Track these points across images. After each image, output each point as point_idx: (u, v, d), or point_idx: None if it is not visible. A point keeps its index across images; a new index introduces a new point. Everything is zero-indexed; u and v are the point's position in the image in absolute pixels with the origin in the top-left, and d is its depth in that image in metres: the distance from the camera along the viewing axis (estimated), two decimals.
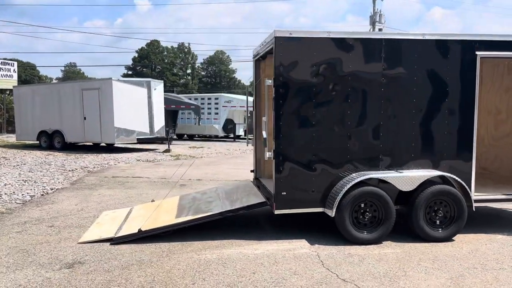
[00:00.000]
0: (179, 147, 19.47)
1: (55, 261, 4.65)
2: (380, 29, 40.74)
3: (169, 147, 17.77)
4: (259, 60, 7.00)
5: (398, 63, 5.44)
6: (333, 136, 5.42)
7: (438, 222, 5.40)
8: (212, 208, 5.70)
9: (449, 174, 5.41)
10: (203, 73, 77.00)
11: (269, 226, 6.03)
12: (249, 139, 7.45)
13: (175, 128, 23.72)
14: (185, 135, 25.40)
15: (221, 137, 26.10)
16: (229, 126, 24.78)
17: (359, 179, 5.16)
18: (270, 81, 5.31)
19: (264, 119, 5.40)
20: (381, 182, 5.32)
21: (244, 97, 28.03)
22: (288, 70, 5.27)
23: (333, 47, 5.34)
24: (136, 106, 17.44)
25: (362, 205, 5.26)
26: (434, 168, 5.53)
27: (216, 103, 24.86)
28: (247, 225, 6.01)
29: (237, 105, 24.71)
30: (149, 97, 17.79)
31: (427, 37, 5.45)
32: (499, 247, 5.20)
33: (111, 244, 5.19)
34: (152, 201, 7.00)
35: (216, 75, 76.56)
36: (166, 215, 5.78)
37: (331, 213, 5.17)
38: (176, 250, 5.02)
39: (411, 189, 5.29)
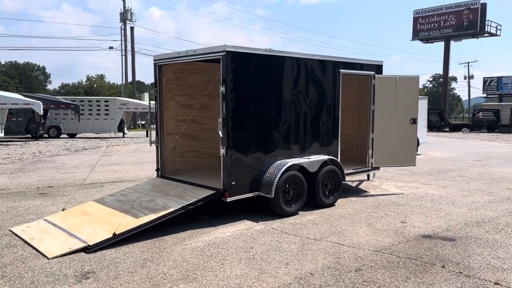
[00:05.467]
0: None
1: (59, 276, 4.37)
2: (132, 27, 41.50)
3: None
4: (161, 65, 7.48)
5: (300, 75, 7.14)
6: (264, 132, 6.70)
7: (327, 192, 7.42)
8: (163, 205, 6.08)
9: (333, 158, 7.49)
10: None
11: (205, 216, 6.76)
12: (151, 137, 7.73)
13: None
14: None
15: None
16: None
17: (288, 165, 6.63)
18: (222, 88, 6.13)
19: (219, 120, 6.17)
20: (298, 166, 6.92)
21: None
22: (234, 78, 6.23)
23: (263, 61, 6.59)
24: None
25: (287, 186, 6.76)
26: (321, 153, 7.52)
27: None
28: (186, 218, 6.55)
29: None
30: None
31: (316, 57, 7.34)
32: (363, 205, 7.60)
33: (88, 252, 5.04)
34: (63, 209, 6.59)
35: None
36: (116, 218, 5.80)
37: (271, 194, 6.46)
38: (160, 246, 5.35)
39: (315, 170, 7.10)
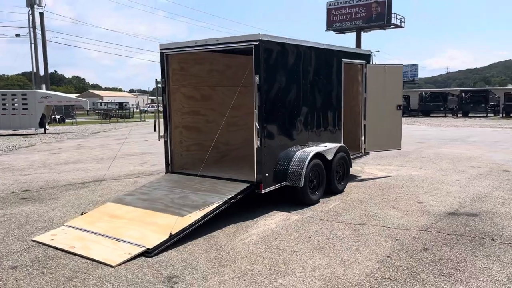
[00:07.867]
0: None
1: (146, 284, 4.02)
2: (41, 13, 38.12)
3: None
4: (168, 55, 7.07)
5: (314, 64, 7.20)
6: (290, 122, 6.68)
7: (338, 179, 7.63)
8: (202, 201, 5.81)
9: (343, 145, 7.70)
10: None
11: (233, 209, 6.56)
12: (159, 131, 7.24)
13: None
14: None
15: None
16: None
17: (312, 154, 6.68)
18: (257, 78, 5.97)
19: (255, 111, 5.99)
20: (319, 154, 6.99)
21: None
22: (267, 68, 6.10)
23: (288, 50, 6.53)
24: None
25: (310, 174, 6.83)
26: (329, 141, 7.69)
27: None
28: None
29: None
30: None
31: (325, 47, 7.45)
32: (369, 189, 7.95)
33: (150, 256, 4.68)
34: (82, 213, 6.00)
35: None
36: (158, 218, 5.45)
37: (300, 184, 6.48)
38: (216, 243, 5.14)
39: (331, 158, 7.26)
